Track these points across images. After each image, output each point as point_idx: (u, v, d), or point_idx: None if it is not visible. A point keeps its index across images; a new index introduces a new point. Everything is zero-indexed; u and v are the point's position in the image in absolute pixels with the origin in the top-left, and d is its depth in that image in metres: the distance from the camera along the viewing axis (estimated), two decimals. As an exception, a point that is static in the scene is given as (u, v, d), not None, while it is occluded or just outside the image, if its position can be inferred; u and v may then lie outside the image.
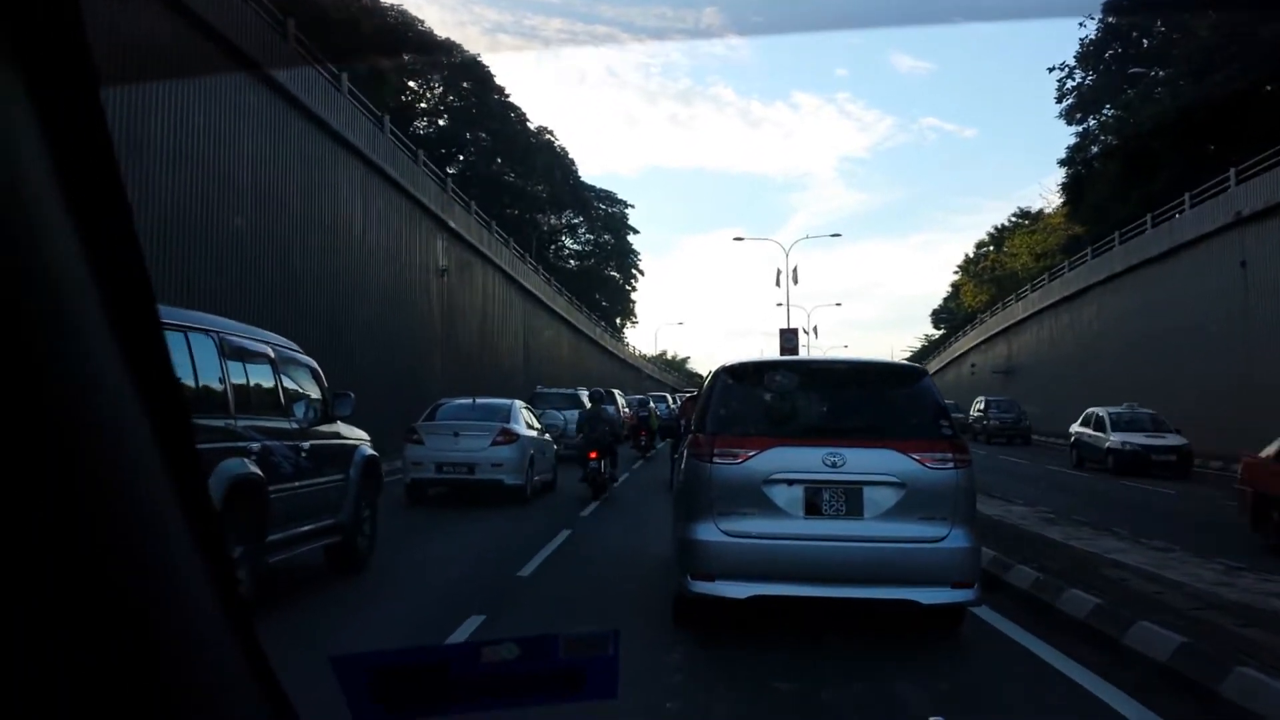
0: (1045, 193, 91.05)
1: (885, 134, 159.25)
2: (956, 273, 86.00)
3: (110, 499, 0.73)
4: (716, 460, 6.10)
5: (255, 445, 6.69)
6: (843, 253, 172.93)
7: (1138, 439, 23.51)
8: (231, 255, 16.90)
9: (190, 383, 6.14)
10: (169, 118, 14.95)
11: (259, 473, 6.53)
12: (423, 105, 61.38)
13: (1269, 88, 36.26)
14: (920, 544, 5.97)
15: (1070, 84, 51.62)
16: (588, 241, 77.51)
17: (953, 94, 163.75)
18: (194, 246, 15.48)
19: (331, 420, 8.46)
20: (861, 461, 6.03)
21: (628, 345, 78.50)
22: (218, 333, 6.67)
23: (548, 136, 67.39)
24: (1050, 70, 51.38)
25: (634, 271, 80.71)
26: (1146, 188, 40.87)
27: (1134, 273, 33.94)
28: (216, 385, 6.49)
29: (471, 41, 59.09)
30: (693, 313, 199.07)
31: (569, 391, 26.17)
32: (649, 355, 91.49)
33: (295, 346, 8.31)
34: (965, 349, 60.90)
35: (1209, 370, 27.88)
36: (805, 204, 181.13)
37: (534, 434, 15.57)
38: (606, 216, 76.15)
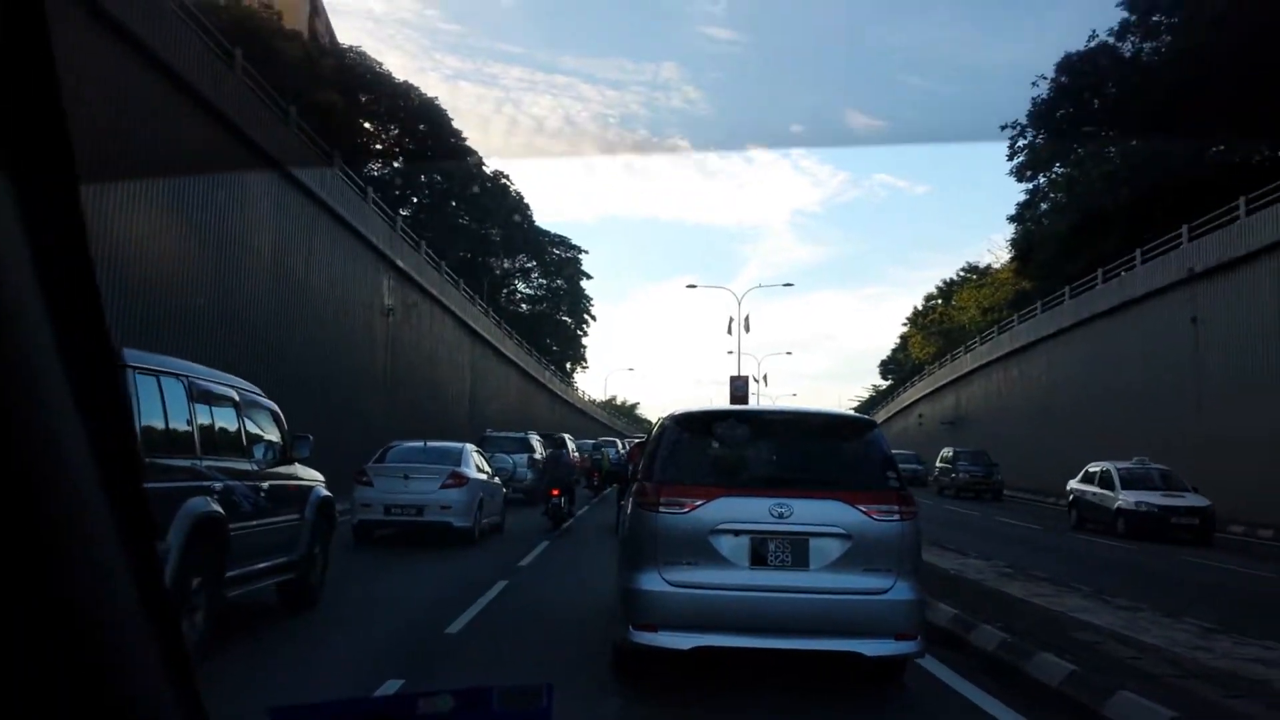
0: (994, 249, 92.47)
1: (838, 189, 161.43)
2: (905, 325, 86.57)
3: (59, 556, 0.74)
4: (663, 509, 6.02)
5: (218, 484, 6.95)
6: (794, 303, 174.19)
7: (1153, 499, 20.54)
8: (169, 284, 15.95)
9: (160, 424, 6.42)
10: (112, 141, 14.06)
11: (221, 511, 6.79)
12: (378, 147, 60.49)
13: (1220, 147, 36.77)
14: (865, 595, 5.92)
15: (1021, 142, 52.14)
16: (540, 286, 76.79)
17: (905, 152, 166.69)
18: (131, 271, 14.48)
19: (290, 462, 8.80)
20: (808, 512, 5.98)
21: (577, 390, 77.58)
22: (186, 377, 6.91)
23: (503, 181, 66.82)
24: (1002, 128, 51.76)
25: (586, 316, 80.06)
26: (1096, 246, 41.11)
27: (1084, 326, 33.92)
28: (184, 427, 6.75)
29: (431, 88, 58.75)
30: (644, 359, 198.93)
31: (519, 435, 26.09)
32: (599, 400, 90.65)
33: (258, 390, 8.49)
34: (913, 399, 60.86)
35: (1162, 425, 27.69)
36: (758, 255, 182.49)
37: (484, 477, 15.76)
38: (560, 261, 75.55)
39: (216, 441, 7.27)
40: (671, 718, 5.82)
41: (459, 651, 7.49)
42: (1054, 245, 45.77)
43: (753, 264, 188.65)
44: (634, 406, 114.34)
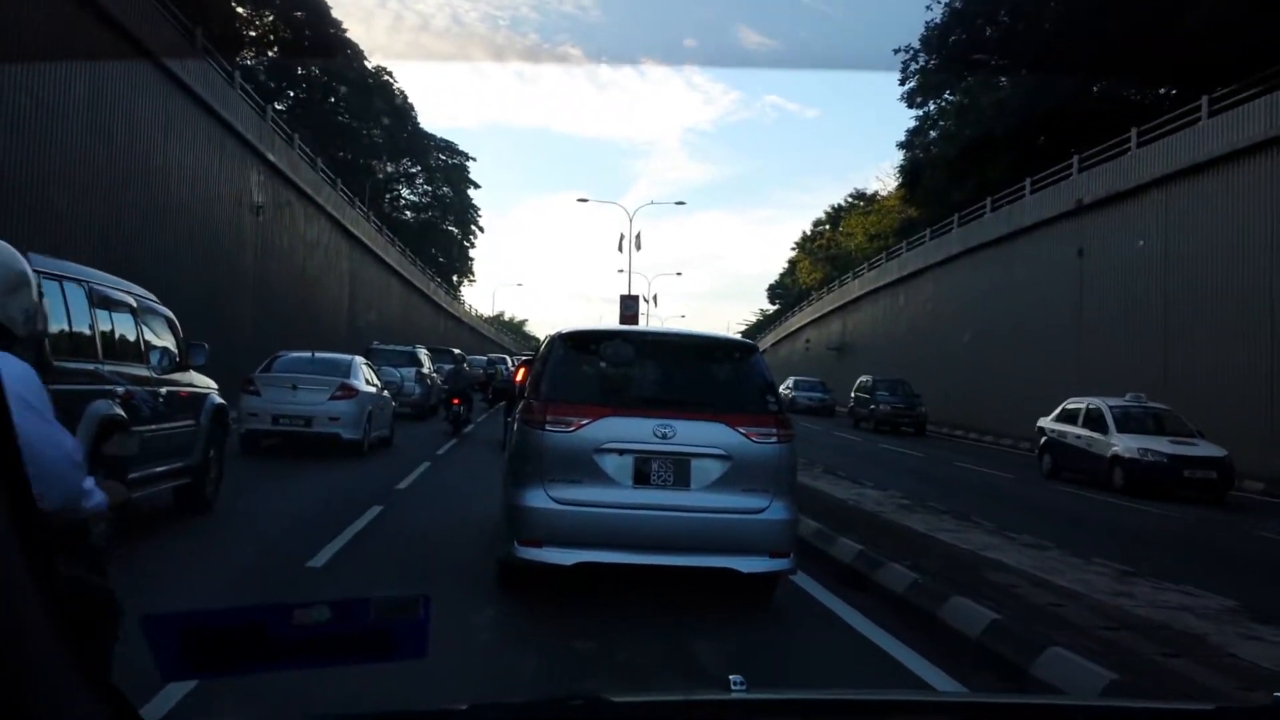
0: (882, 176, 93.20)
1: (729, 108, 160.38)
2: (793, 250, 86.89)
3: None
4: (549, 428, 6.07)
5: (119, 389, 7.10)
6: (684, 223, 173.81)
7: (1160, 446, 16.60)
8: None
9: (64, 328, 6.57)
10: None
11: (123, 414, 6.94)
12: (251, 33, 56.38)
13: (1106, 80, 37.08)
14: (742, 515, 6.07)
15: (914, 67, 51.87)
16: (425, 193, 73.93)
17: (797, 75, 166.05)
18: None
19: (185, 369, 8.94)
20: (691, 433, 6.08)
21: (464, 304, 75.59)
22: (87, 282, 7.01)
23: (385, 78, 63.45)
24: (895, 52, 51.37)
25: (473, 228, 77.74)
26: (983, 175, 41.38)
27: (971, 255, 34.02)
28: (86, 332, 6.89)
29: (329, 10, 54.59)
30: (533, 275, 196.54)
31: (406, 349, 25.71)
32: (486, 316, 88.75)
33: (153, 297, 8.53)
34: (801, 325, 61.09)
35: (1044, 358, 28.02)
36: (649, 171, 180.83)
37: (373, 390, 15.66)
38: (446, 168, 72.76)
39: (116, 347, 7.45)
40: (545, 629, 5.87)
41: (392, 514, 9.05)
42: (943, 171, 45.95)
43: (644, 181, 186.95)
44: (522, 323, 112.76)
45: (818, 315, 55.48)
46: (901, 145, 55.94)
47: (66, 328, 6.64)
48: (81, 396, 6.46)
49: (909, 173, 55.94)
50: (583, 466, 6.02)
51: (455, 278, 76.61)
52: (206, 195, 22.85)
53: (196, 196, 22.25)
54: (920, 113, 53.25)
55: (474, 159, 79.80)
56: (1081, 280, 26.89)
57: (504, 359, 34.89)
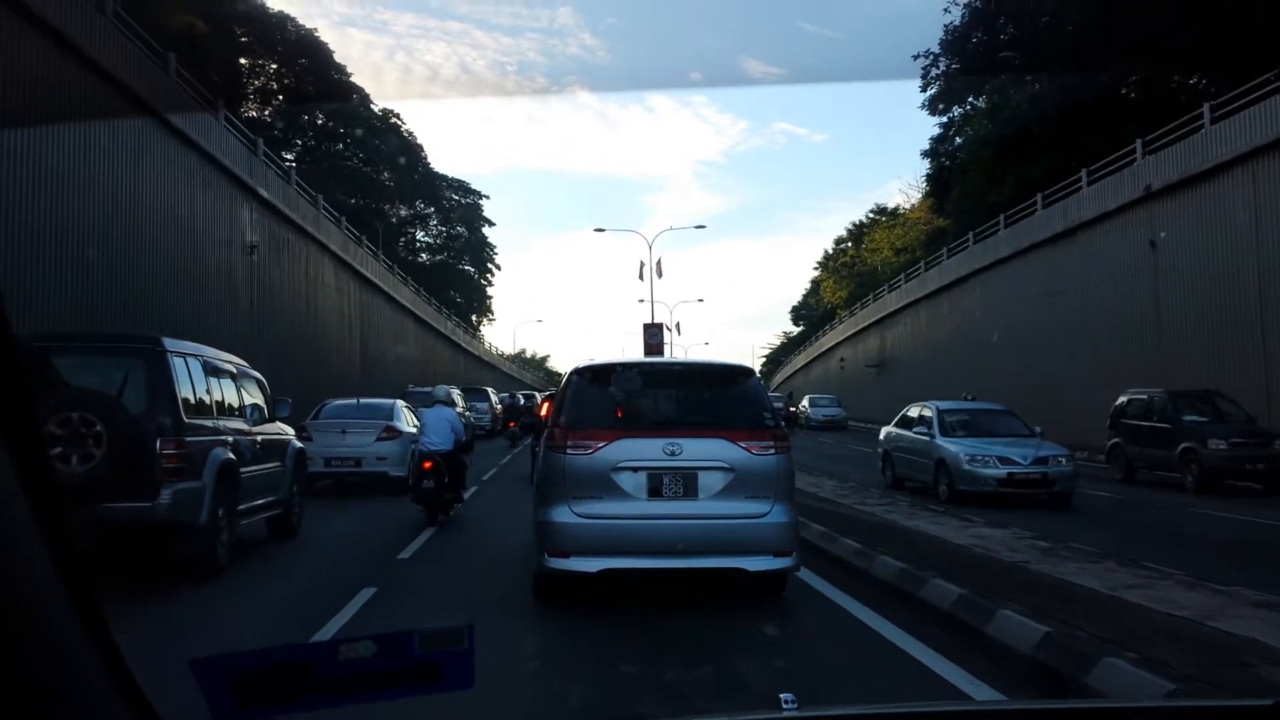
0: (905, 188, 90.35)
1: (739, 138, 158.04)
2: (816, 269, 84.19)
3: None
4: (570, 451, 6.64)
5: (230, 439, 8.65)
6: (703, 253, 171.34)
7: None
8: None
9: (190, 395, 8.03)
10: None
11: (234, 458, 8.53)
12: (255, 84, 54.57)
13: (1147, 69, 34.36)
14: (746, 519, 6.60)
15: (935, 72, 49.36)
16: (440, 234, 71.83)
17: (803, 101, 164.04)
18: None
19: (272, 420, 10.34)
20: (697, 450, 6.64)
21: (485, 343, 73.21)
22: (201, 356, 8.64)
23: (394, 120, 61.55)
24: (915, 58, 48.93)
25: (490, 266, 75.48)
26: (1023, 174, 38.62)
27: (1022, 257, 31.14)
28: (205, 396, 8.42)
29: (319, 36, 53.07)
30: (552, 311, 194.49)
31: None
32: (507, 354, 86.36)
33: (246, 364, 10.16)
34: (833, 343, 58.13)
35: (1113, 359, 25.08)
36: (663, 205, 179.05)
37: (413, 430, 15.85)
38: (460, 208, 70.70)
39: (225, 406, 8.84)
40: (582, 635, 6.12)
41: (416, 564, 9.19)
42: (977, 175, 43.22)
43: (658, 215, 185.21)
44: (544, 359, 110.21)
45: (852, 332, 52.52)
46: (926, 154, 53.40)
47: (192, 394, 7.98)
48: (208, 446, 7.98)
49: (936, 181, 53.32)
50: (601, 484, 6.55)
51: (475, 317, 74.34)
52: (193, 237, 20.47)
53: (181, 240, 19.88)
54: (944, 119, 50.91)
55: (487, 197, 78.07)
56: (1156, 272, 24.00)
57: (533, 395, 35.59)
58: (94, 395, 7.30)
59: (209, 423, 8.25)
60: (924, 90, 49.01)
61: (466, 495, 13.35)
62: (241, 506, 8.69)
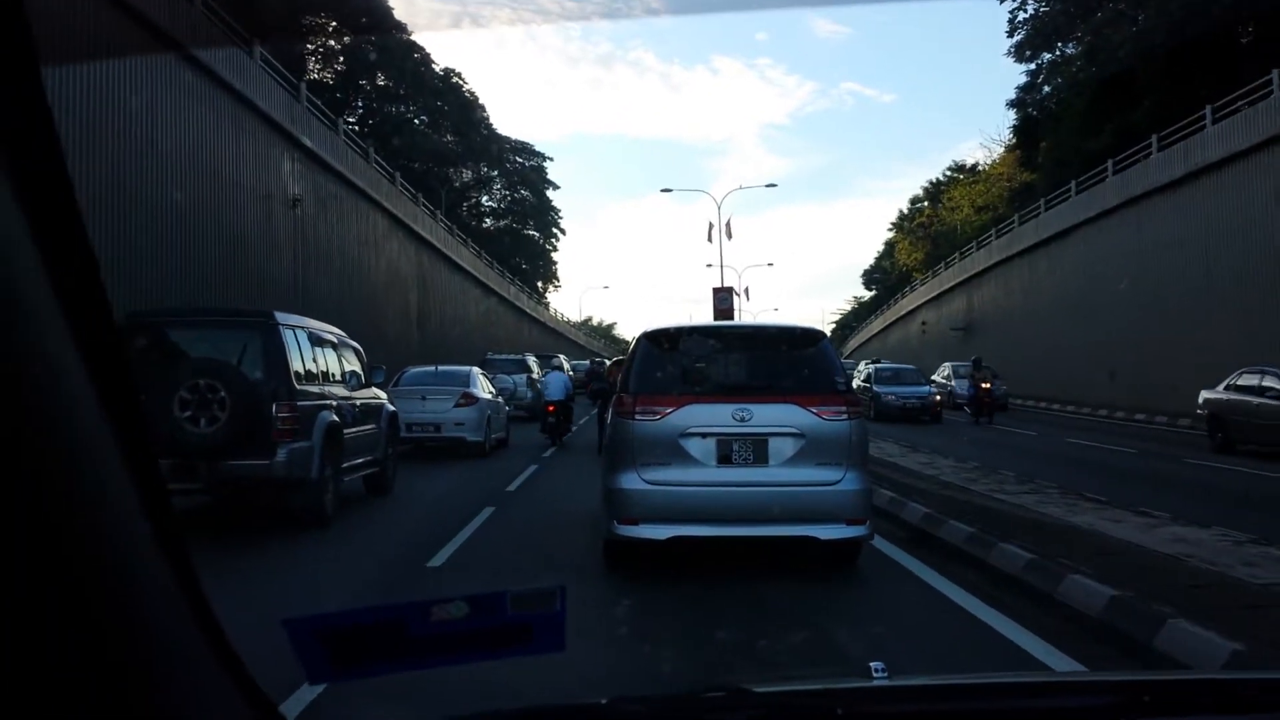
0: (986, 143, 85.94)
1: (806, 99, 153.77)
2: (890, 230, 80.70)
3: (63, 484, 0.75)
4: (638, 417, 6.52)
5: (334, 403, 9.17)
6: (769, 218, 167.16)
7: None
8: None
9: (299, 364, 8.62)
10: None
11: (339, 420, 9.11)
12: (314, 47, 53.04)
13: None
14: (818, 487, 6.40)
15: (1023, 15, 45.81)
16: (504, 198, 69.98)
17: (871, 59, 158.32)
18: None
19: (369, 386, 11.02)
20: (766, 415, 6.47)
21: (550, 309, 71.45)
22: (307, 329, 9.30)
23: (455, 79, 59.64)
24: (1000, 1, 45.43)
25: (555, 230, 73.51)
26: (1124, 119, 35.24)
27: (1134, 206, 27.97)
28: (311, 365, 9.03)
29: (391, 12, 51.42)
30: (620, 278, 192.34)
31: (517, 358, 27.17)
32: (574, 321, 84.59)
33: (345, 335, 10.81)
34: (913, 306, 54.91)
35: (1243, 321, 22.08)
36: (728, 169, 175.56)
37: (489, 397, 16.85)
38: (523, 171, 68.69)
39: (329, 373, 9.57)
40: (667, 618, 5.83)
41: (517, 497, 10.91)
42: (1072, 122, 39.80)
43: (724, 179, 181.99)
44: (611, 326, 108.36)
45: (936, 293, 49.23)
46: (1012, 104, 49.79)
47: (301, 363, 8.73)
48: (315, 409, 8.70)
49: (1023, 133, 49.85)
50: (670, 450, 6.43)
51: (540, 284, 72.59)
52: (229, 186, 18.71)
53: (216, 189, 18.14)
54: (1032, 66, 47.39)
55: (551, 159, 76.15)
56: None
57: (603, 361, 32.65)
58: (218, 364, 7.96)
59: (315, 389, 8.86)
60: (1010, 35, 45.68)
61: (546, 455, 15.47)
62: (345, 464, 9.42)
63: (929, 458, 15.13)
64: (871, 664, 1.48)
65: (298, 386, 8.36)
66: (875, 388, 26.20)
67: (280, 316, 8.71)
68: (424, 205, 34.39)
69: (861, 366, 27.82)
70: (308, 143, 22.50)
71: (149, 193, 15.50)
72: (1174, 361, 24.49)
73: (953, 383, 30.66)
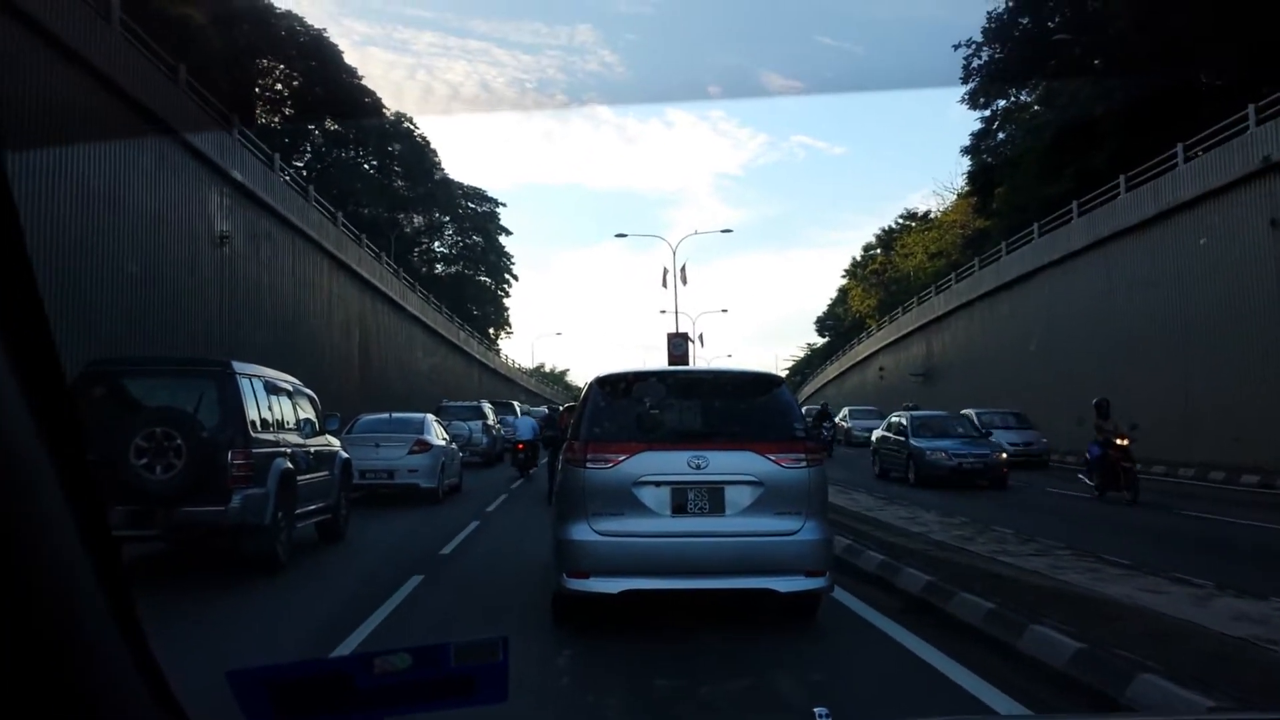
0: (939, 190, 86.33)
1: (758, 151, 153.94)
2: (844, 277, 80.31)
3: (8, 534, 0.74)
4: (590, 465, 6.22)
5: (288, 450, 9.23)
6: (722, 266, 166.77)
7: None
8: None
9: (254, 412, 8.65)
10: None
11: (293, 467, 9.15)
12: (263, 83, 51.27)
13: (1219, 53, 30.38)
14: (776, 537, 6.11)
15: (977, 62, 45.52)
16: (455, 244, 68.34)
17: (821, 113, 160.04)
18: None
19: (322, 433, 10.95)
20: (723, 463, 6.19)
21: (502, 356, 69.60)
22: (262, 377, 9.32)
23: (406, 125, 58.20)
24: (955, 47, 45.14)
25: (507, 276, 71.90)
26: (1084, 163, 34.69)
27: (1101, 248, 27.10)
28: (266, 413, 9.04)
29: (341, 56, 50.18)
30: (573, 326, 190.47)
31: (473, 404, 27.20)
32: (526, 368, 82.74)
33: (299, 382, 10.79)
34: (870, 351, 53.96)
35: (1232, 361, 21.08)
36: (682, 219, 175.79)
37: (443, 444, 16.76)
38: (476, 216, 67.23)
39: (283, 421, 9.56)
40: (610, 658, 5.82)
41: (454, 561, 9.85)
42: (1030, 167, 39.29)
43: (678, 228, 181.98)
44: (564, 373, 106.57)
45: (893, 338, 48.29)
46: (966, 150, 49.67)
47: (256, 410, 8.72)
48: (270, 457, 8.71)
49: (978, 180, 49.51)
50: (623, 499, 6.10)
51: (492, 331, 70.80)
52: (146, 222, 16.92)
53: (137, 226, 16.36)
54: (986, 113, 47.16)
55: (504, 204, 74.59)
56: (1280, 257, 20.03)
57: (558, 407, 31.70)
58: (175, 413, 8.01)
59: (270, 436, 8.90)
60: (965, 82, 45.32)
61: (492, 507, 14.80)
62: (298, 510, 9.44)
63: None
64: (815, 709, 1.46)
65: (253, 434, 8.43)
66: (914, 442, 19.77)
67: (236, 365, 8.79)
68: (368, 247, 32.62)
69: (894, 417, 22.33)
70: (238, 176, 20.75)
71: (53, 223, 13.66)
72: (1147, 404, 23.44)
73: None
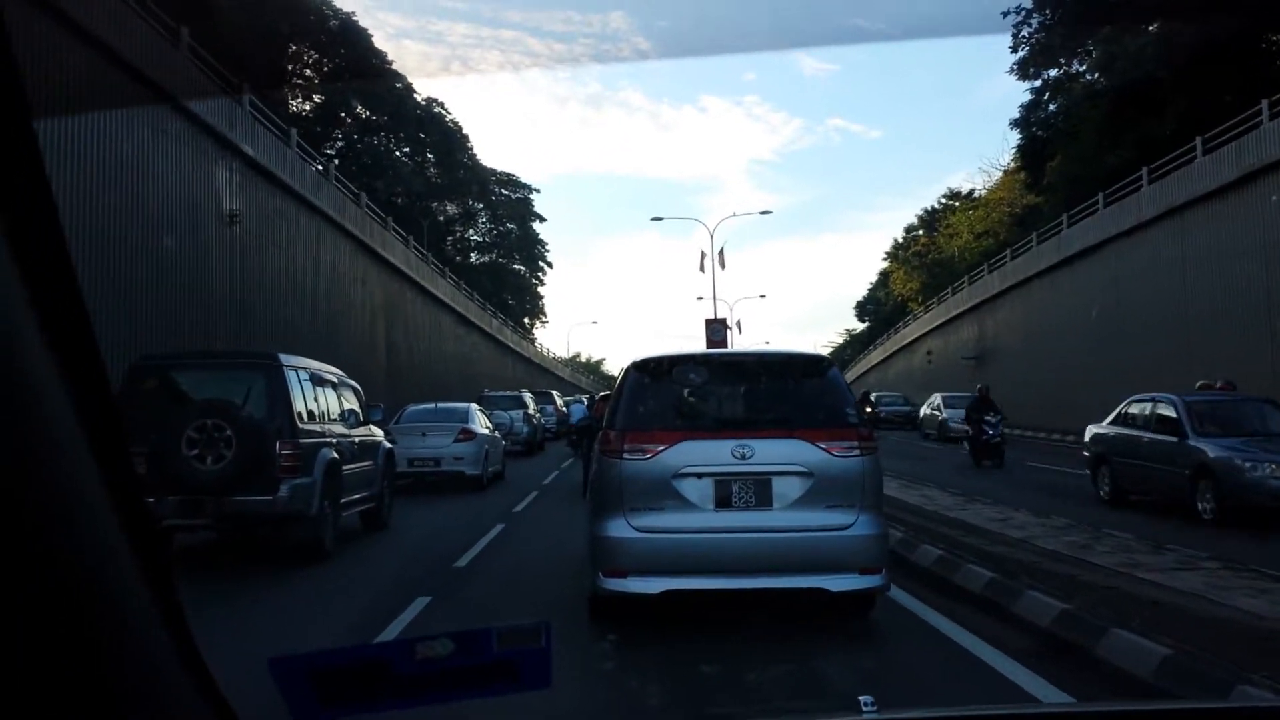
0: (985, 167, 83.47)
1: (792, 136, 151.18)
2: (884, 260, 77.90)
3: (41, 495, 0.74)
4: (626, 456, 5.81)
5: (334, 440, 9.35)
6: (758, 252, 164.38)
7: None
8: None
9: (301, 404, 8.78)
10: None
11: (338, 457, 9.26)
12: (293, 68, 50.12)
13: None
14: (828, 532, 5.70)
15: (1027, 30, 43.10)
16: (489, 231, 66.94)
17: (858, 95, 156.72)
18: None
19: (366, 424, 10.97)
20: (770, 452, 5.77)
21: (537, 345, 68.17)
22: (308, 369, 9.44)
23: (438, 109, 56.75)
24: (1004, 15, 42.83)
25: (542, 264, 70.39)
26: (1148, 130, 32.40)
27: (1178, 215, 24.88)
28: (313, 404, 9.14)
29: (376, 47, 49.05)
30: (609, 315, 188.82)
31: (514, 394, 27.08)
32: (562, 357, 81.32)
33: (344, 374, 10.87)
34: (917, 335, 51.72)
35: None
36: (717, 206, 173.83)
37: (487, 432, 17.07)
38: (510, 203, 65.75)
39: (329, 412, 9.65)
40: (652, 650, 5.56)
41: (518, 521, 11.25)
42: (1088, 135, 36.96)
43: (713, 215, 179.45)
44: (600, 363, 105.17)
45: (942, 321, 46.07)
46: (1015, 124, 47.26)
47: (303, 402, 8.82)
48: (316, 447, 8.80)
49: (1029, 154, 47.09)
50: (662, 493, 5.70)
51: (527, 320, 69.39)
52: (147, 196, 15.50)
53: (132, 201, 14.96)
54: (1036, 84, 44.78)
55: (538, 190, 73.19)
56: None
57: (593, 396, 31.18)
58: (225, 404, 8.14)
59: (316, 427, 9.07)
60: (1015, 50, 43.04)
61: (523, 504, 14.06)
62: (343, 500, 9.52)
63: None
64: (861, 698, 1.44)
65: (300, 425, 8.54)
66: (1204, 447, 11.20)
67: (284, 358, 8.90)
68: (394, 230, 31.15)
69: (1137, 405, 13.21)
70: (248, 150, 19.28)
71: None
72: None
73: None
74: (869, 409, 21.00)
